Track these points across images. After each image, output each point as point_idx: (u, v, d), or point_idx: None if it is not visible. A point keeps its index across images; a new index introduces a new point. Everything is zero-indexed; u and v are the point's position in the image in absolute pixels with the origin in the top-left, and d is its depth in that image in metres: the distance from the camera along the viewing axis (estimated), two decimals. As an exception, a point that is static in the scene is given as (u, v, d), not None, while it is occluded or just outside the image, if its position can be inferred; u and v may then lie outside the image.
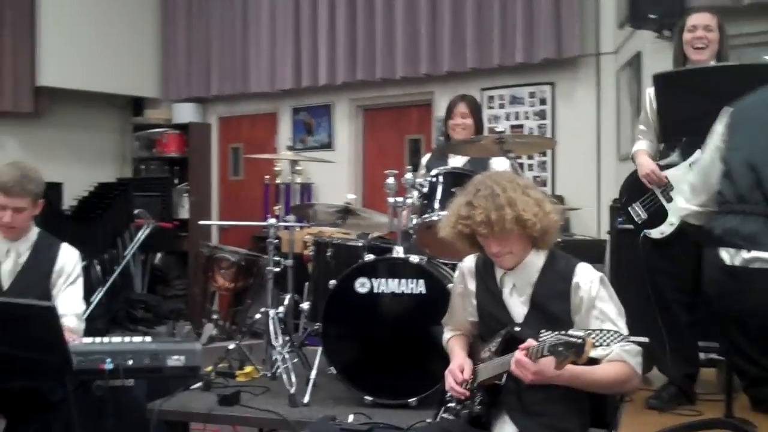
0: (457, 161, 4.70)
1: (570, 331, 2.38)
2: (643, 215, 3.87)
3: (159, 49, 9.73)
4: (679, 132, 3.73)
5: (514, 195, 2.69)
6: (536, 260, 2.79)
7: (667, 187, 3.80)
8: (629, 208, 3.95)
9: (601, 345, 2.47)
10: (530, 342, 2.45)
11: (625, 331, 2.64)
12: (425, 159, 5.02)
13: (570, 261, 2.79)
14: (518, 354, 2.46)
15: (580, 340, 2.29)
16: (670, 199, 3.77)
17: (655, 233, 3.79)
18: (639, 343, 2.65)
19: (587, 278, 2.71)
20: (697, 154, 3.64)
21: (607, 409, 2.85)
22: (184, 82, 9.55)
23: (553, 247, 2.83)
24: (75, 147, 9.41)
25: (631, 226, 4.36)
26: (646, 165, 3.85)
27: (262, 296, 4.63)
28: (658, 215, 3.81)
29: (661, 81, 3.54)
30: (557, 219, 2.77)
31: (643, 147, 4.01)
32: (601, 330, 2.51)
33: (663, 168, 3.79)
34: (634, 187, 3.95)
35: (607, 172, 6.95)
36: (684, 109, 3.45)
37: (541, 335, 2.50)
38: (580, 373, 2.46)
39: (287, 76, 8.68)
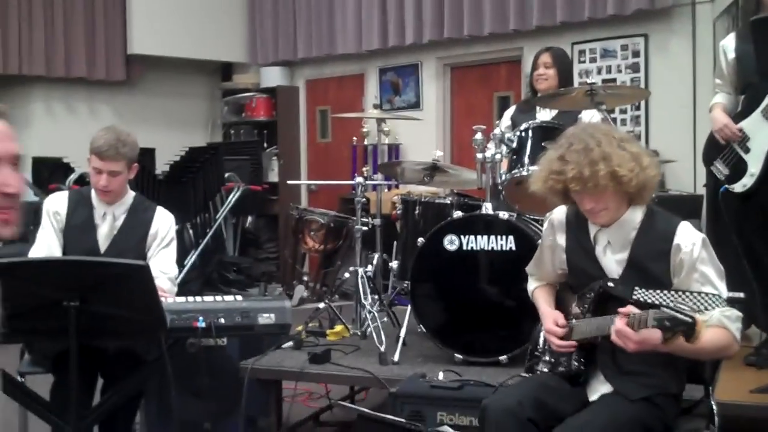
0: (545, 115, 4.59)
1: (681, 298, 2.29)
2: (725, 171, 3.78)
3: (246, 13, 9.80)
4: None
5: (609, 149, 2.59)
6: (634, 217, 2.69)
7: (744, 139, 3.67)
8: (711, 167, 3.86)
9: (701, 310, 2.38)
10: (630, 308, 2.37)
11: (725, 294, 2.54)
12: (510, 112, 4.90)
13: (671, 220, 2.69)
14: (619, 323, 2.38)
15: (690, 320, 2.22)
16: (747, 150, 3.66)
17: (738, 187, 3.70)
18: (738, 301, 2.54)
19: (689, 239, 2.61)
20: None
21: (704, 365, 2.76)
22: (271, 46, 9.60)
23: (651, 204, 2.73)
24: (166, 113, 9.57)
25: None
26: (719, 120, 3.78)
27: (351, 258, 4.63)
28: (739, 168, 3.71)
29: (759, 26, 3.39)
30: (656, 174, 2.67)
31: (719, 100, 3.92)
32: (701, 293, 2.43)
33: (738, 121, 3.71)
34: (713, 144, 3.84)
35: (703, 125, 6.67)
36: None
37: (635, 293, 2.43)
38: (683, 345, 2.37)
39: (374, 36, 8.64)
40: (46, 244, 3.55)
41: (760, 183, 3.61)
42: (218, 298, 3.33)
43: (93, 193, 3.59)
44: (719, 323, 2.51)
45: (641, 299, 2.43)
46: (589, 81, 4.25)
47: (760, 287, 3.71)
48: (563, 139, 2.73)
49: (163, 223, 3.68)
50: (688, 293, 2.39)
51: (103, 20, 8.94)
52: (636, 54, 7.16)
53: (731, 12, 6.06)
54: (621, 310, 2.40)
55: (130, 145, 3.52)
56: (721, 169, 3.79)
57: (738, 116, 3.76)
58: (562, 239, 2.89)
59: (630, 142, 2.68)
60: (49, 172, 7.46)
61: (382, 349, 3.88)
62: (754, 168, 3.63)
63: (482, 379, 3.33)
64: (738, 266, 4.12)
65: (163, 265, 3.53)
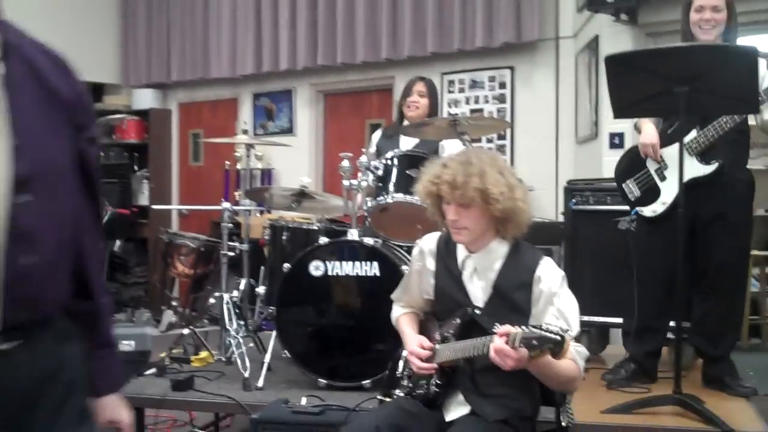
0: (407, 142, 4.69)
1: (549, 326, 2.38)
2: (636, 192, 3.90)
3: (119, 34, 9.63)
4: (630, 113, 3.76)
5: (487, 168, 2.68)
6: (500, 247, 2.78)
7: (661, 166, 3.81)
8: (623, 184, 3.96)
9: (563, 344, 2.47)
10: (507, 328, 2.43)
11: (576, 331, 2.66)
12: (376, 137, 5.01)
13: (536, 253, 2.79)
14: (498, 342, 2.44)
15: (558, 337, 2.30)
16: (663, 178, 3.80)
17: (647, 211, 3.83)
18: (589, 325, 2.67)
19: (550, 273, 2.71)
20: (693, 133, 3.67)
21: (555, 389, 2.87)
22: (144, 67, 9.45)
23: (519, 240, 2.83)
24: (32, 133, 9.27)
25: (585, 207, 4.41)
26: (650, 135, 3.84)
27: (220, 284, 4.60)
28: (651, 193, 3.83)
29: (612, 63, 3.55)
30: (525, 208, 2.75)
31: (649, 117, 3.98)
32: (556, 327, 2.52)
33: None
34: (631, 162, 3.95)
35: (565, 154, 6.99)
36: (635, 90, 3.46)
37: (495, 327, 2.50)
38: (547, 364, 2.46)
39: (248, 61, 8.62)
40: None
41: (669, 212, 3.73)
42: (76, 324, 3.25)
43: None
44: (571, 356, 2.62)
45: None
46: (455, 111, 4.38)
47: (640, 309, 3.87)
48: (455, 155, 2.83)
49: None
50: (566, 329, 2.47)
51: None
52: (503, 85, 7.38)
53: (592, 47, 6.35)
54: (499, 330, 2.47)
55: None
56: (633, 189, 3.91)
57: (662, 140, 3.84)
58: (431, 264, 2.95)
59: (510, 174, 2.77)
60: None
61: (246, 374, 3.87)
62: (667, 197, 3.76)
63: (345, 404, 3.36)
64: (599, 288, 4.31)
65: None
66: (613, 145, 5.90)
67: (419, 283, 3.02)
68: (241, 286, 4.70)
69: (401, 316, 3.09)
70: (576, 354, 2.63)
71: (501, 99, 7.37)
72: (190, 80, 9.17)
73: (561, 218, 5.64)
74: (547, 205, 6.66)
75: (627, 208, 3.95)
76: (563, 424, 2.81)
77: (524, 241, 2.86)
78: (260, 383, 3.86)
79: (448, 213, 2.76)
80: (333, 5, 8.05)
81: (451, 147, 4.45)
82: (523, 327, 2.40)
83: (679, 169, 3.38)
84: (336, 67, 8.15)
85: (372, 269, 3.88)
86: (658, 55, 3.49)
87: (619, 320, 4.31)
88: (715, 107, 3.47)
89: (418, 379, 2.87)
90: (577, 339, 2.64)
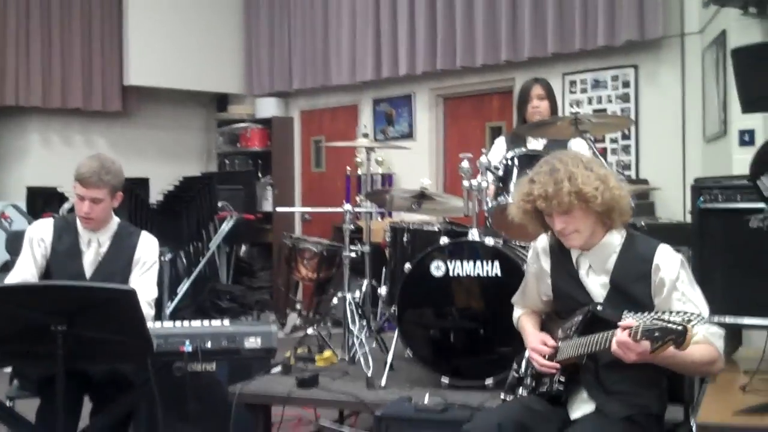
0: (535, 144, 4.64)
1: (667, 316, 2.33)
2: None
3: (242, 45, 9.90)
4: (759, 106, 3.62)
5: (574, 169, 2.66)
6: (613, 241, 2.75)
7: None
8: (758, 180, 3.79)
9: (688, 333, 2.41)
10: (630, 322, 2.40)
11: (707, 313, 2.59)
12: (500, 142, 4.96)
13: (650, 242, 2.75)
14: (621, 335, 2.41)
15: (681, 328, 2.26)
16: None
17: None
18: (721, 325, 2.60)
19: (668, 260, 2.67)
20: None
21: (683, 386, 2.79)
22: (266, 77, 9.68)
23: (630, 230, 2.79)
24: (162, 144, 9.65)
25: (714, 205, 4.25)
26: None
27: (343, 286, 4.67)
28: None
29: (740, 55, 3.44)
30: (623, 195, 2.72)
31: None
32: (684, 312, 2.46)
33: None
34: (765, 159, 3.79)
35: (692, 153, 6.77)
36: (765, 83, 3.33)
37: (625, 316, 2.47)
38: (673, 355, 2.41)
39: (368, 67, 8.71)
40: (21, 274, 3.57)
41: None
42: (205, 322, 3.35)
43: (78, 220, 3.62)
44: (705, 339, 2.56)
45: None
46: (577, 110, 4.29)
47: None
48: (537, 166, 2.80)
49: (147, 247, 3.71)
50: (671, 313, 2.42)
51: (100, 51, 9.02)
52: (626, 84, 7.22)
53: (719, 42, 6.14)
54: (622, 325, 2.43)
55: (114, 173, 3.53)
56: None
57: None
58: (547, 264, 2.94)
59: (598, 165, 2.75)
60: (44, 201, 7.50)
61: (370, 373, 3.90)
62: None
63: (468, 403, 3.36)
64: (732, 288, 4.15)
65: (142, 288, 3.54)
66: (743, 143, 5.68)
67: (537, 285, 3.01)
68: (363, 288, 4.74)
69: (522, 315, 3.10)
70: (710, 336, 2.57)
71: (624, 98, 7.21)
72: (311, 88, 9.34)
73: (688, 218, 5.49)
74: (674, 206, 6.47)
75: (760, 205, 3.78)
76: (692, 423, 2.74)
77: (638, 233, 2.81)
78: (383, 382, 3.89)
79: (554, 224, 2.75)
80: (452, 8, 8.04)
81: (578, 146, 4.39)
82: (645, 319, 2.35)
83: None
84: (455, 70, 8.14)
85: (493, 269, 3.85)
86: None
87: (754, 320, 4.15)
88: None
89: (541, 377, 2.85)
90: None
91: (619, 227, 2.76)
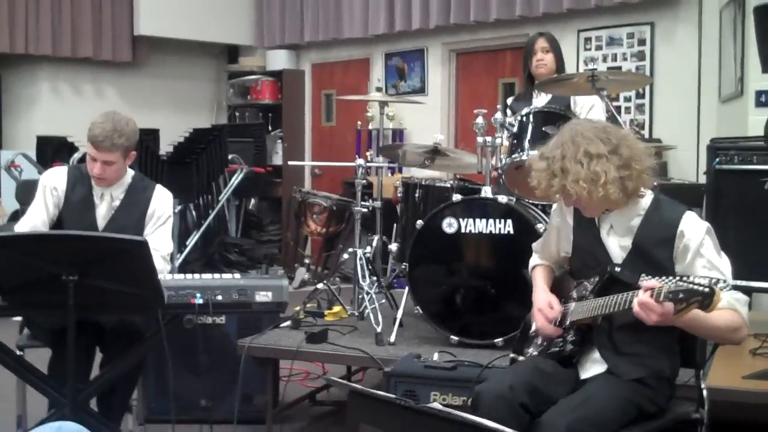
0: (540, 100, 4.60)
1: (694, 278, 2.32)
2: None
3: (254, -4, 9.80)
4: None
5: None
6: (639, 204, 2.72)
7: None
8: None
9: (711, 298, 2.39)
10: (654, 283, 2.38)
11: (731, 280, 2.57)
12: (509, 101, 4.92)
13: (677, 208, 2.72)
14: (644, 296, 2.39)
15: (707, 290, 2.24)
16: None
17: None
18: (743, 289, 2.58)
19: (693, 227, 2.64)
20: None
21: (696, 350, 2.78)
22: (278, 29, 9.60)
23: (659, 193, 2.76)
24: (172, 95, 9.60)
25: (730, 166, 4.21)
26: None
27: (353, 241, 4.64)
28: None
29: (762, 13, 3.37)
30: (647, 164, 2.67)
31: None
32: (710, 279, 2.43)
33: None
34: None
35: (707, 114, 6.71)
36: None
37: (642, 279, 2.45)
38: (697, 318, 2.41)
39: (380, 21, 8.63)
40: (32, 222, 3.53)
41: None
42: (216, 276, 3.35)
43: None
44: (729, 305, 2.54)
45: None
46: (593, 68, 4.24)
47: None
48: (551, 139, 2.77)
49: (162, 201, 3.68)
50: (694, 278, 2.40)
51: (110, 1, 8.95)
52: (642, 42, 7.14)
53: (737, 1, 6.04)
54: (646, 285, 2.41)
55: (127, 134, 3.47)
56: None
57: None
58: (570, 219, 2.92)
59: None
60: (54, 151, 7.49)
61: (379, 329, 3.89)
62: None
63: (478, 361, 3.35)
64: (745, 252, 4.11)
65: (158, 242, 3.53)
66: (759, 104, 5.61)
67: (557, 239, 3.00)
68: (374, 243, 4.72)
69: (537, 267, 3.08)
70: (735, 302, 2.55)
71: (640, 56, 7.13)
72: (323, 41, 9.27)
73: (702, 179, 5.45)
74: (688, 166, 6.44)
75: None
76: (701, 387, 2.74)
77: (665, 196, 2.78)
78: (392, 339, 3.88)
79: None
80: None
81: (583, 102, 4.36)
82: (670, 281, 2.33)
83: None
84: (469, 25, 8.07)
85: (506, 227, 3.82)
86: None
87: (765, 284, 4.12)
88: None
89: (554, 337, 2.83)
90: None
91: (647, 191, 2.73)
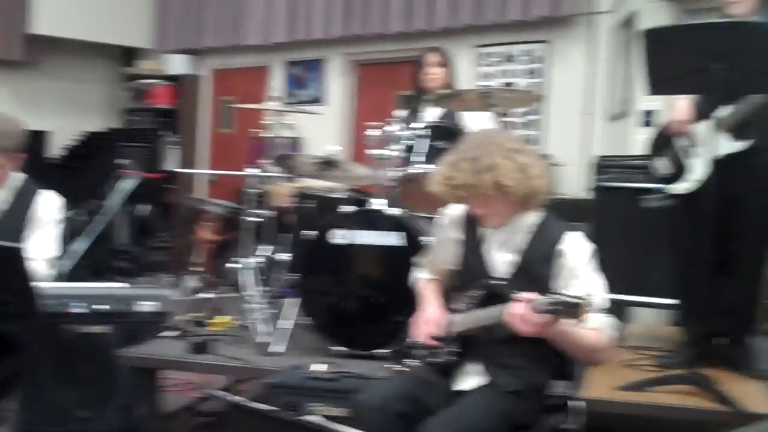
0: (432, 113, 4.65)
1: (562, 294, 2.37)
2: (667, 169, 3.78)
3: (152, -2, 9.63)
4: (666, 89, 3.66)
5: (497, 160, 2.66)
6: (526, 221, 2.78)
7: (693, 143, 3.71)
8: (654, 161, 3.86)
9: (583, 313, 2.46)
10: (529, 296, 2.44)
11: (604, 303, 2.65)
12: (401, 112, 4.95)
13: (561, 228, 2.78)
14: (516, 306, 2.46)
15: (575, 301, 2.32)
16: (695, 155, 3.69)
17: (678, 189, 3.72)
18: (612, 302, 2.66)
19: (574, 248, 2.71)
20: (727, 110, 3.53)
21: (573, 363, 2.85)
22: (177, 32, 9.44)
23: (547, 212, 2.82)
24: (66, 96, 9.34)
25: (613, 184, 4.33)
26: (683, 111, 3.69)
27: (244, 250, 4.59)
28: (682, 171, 3.71)
29: (650, 37, 3.46)
30: (543, 183, 2.74)
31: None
32: (581, 294, 2.50)
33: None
34: (661, 141, 3.86)
35: (595, 131, 6.90)
36: (672, 66, 3.37)
37: (527, 294, 2.49)
38: (567, 332, 2.50)
39: (281, 28, 8.58)
40: None
41: (700, 190, 3.60)
42: (100, 283, 3.27)
43: None
44: (597, 327, 2.61)
45: None
46: (487, 84, 4.31)
47: (683, 289, 3.78)
48: (462, 145, 2.80)
49: (48, 205, 3.60)
50: (560, 292, 2.46)
51: (4, -2, 8.68)
52: (537, 60, 7.29)
53: (628, 24, 6.24)
54: (521, 297, 2.47)
55: (11, 135, 3.40)
56: (663, 166, 3.79)
57: (696, 117, 3.71)
58: (457, 233, 2.95)
59: (521, 153, 2.74)
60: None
61: (265, 340, 3.85)
62: (698, 174, 3.62)
63: (362, 372, 3.35)
64: (629, 268, 4.23)
65: (40, 247, 3.43)
66: (643, 123, 5.81)
67: (444, 251, 3.02)
68: (265, 253, 4.68)
69: (424, 280, 3.10)
70: (603, 325, 2.62)
71: (535, 73, 7.28)
72: (224, 46, 9.15)
73: (589, 195, 5.59)
74: (575, 182, 6.59)
75: (657, 185, 3.87)
76: (576, 398, 2.81)
77: (554, 216, 2.84)
78: (279, 349, 3.84)
79: (473, 208, 2.81)
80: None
81: (473, 120, 4.42)
82: (538, 297, 2.39)
83: (710, 146, 3.30)
84: (369, 37, 8.09)
85: (396, 240, 3.84)
86: (695, 30, 3.40)
87: (646, 299, 4.26)
88: (748, 85, 3.37)
89: (434, 348, 2.86)
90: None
91: (536, 210, 2.79)
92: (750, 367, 3.61)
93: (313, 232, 3.99)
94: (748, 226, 3.63)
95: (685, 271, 3.76)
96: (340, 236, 3.92)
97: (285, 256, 4.59)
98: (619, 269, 4.29)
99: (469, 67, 7.29)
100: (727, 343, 3.75)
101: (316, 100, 8.64)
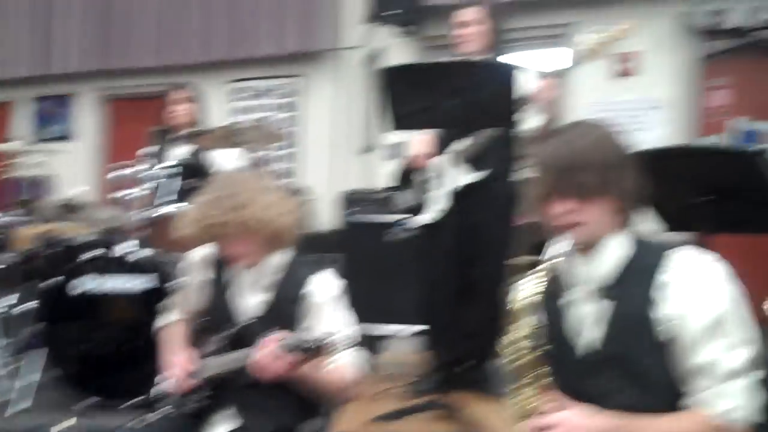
0: (180, 152, 4.63)
1: (309, 333, 2.41)
2: (410, 202, 3.91)
3: None
4: (406, 124, 3.81)
5: (245, 200, 2.67)
6: (275, 261, 2.79)
7: (433, 175, 3.85)
8: (398, 194, 3.97)
9: (330, 351, 2.51)
10: (271, 338, 2.45)
11: (351, 339, 2.70)
12: (151, 149, 4.89)
13: (308, 268, 2.80)
14: (260, 350, 2.46)
15: (316, 341, 2.37)
16: (435, 187, 3.83)
17: (420, 220, 3.84)
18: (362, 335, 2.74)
19: (320, 288, 2.74)
20: (464, 143, 3.70)
21: (321, 399, 2.90)
22: None
23: (295, 252, 2.84)
24: None
25: (360, 218, 4.46)
26: (420, 145, 3.85)
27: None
28: (424, 202, 3.85)
29: (386, 75, 3.60)
30: (291, 222, 2.77)
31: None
32: (330, 335, 2.55)
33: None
34: (403, 175, 3.98)
35: (345, 165, 7.06)
36: (410, 102, 3.50)
37: (271, 334, 2.51)
38: (310, 373, 2.53)
39: (26, 62, 8.20)
40: None
41: (441, 220, 3.76)
42: None
43: None
44: (342, 365, 2.66)
45: None
46: (243, 119, 4.32)
47: (432, 317, 3.92)
48: (211, 185, 2.78)
49: None
50: (321, 336, 2.50)
51: None
52: (290, 94, 7.39)
53: (374, 59, 6.46)
54: (267, 340, 2.48)
55: None
56: (405, 198, 3.91)
57: (436, 151, 3.85)
58: (205, 275, 2.91)
59: (268, 191, 2.76)
60: None
61: (8, 397, 3.65)
62: (438, 205, 3.76)
63: (116, 423, 3.25)
64: (373, 298, 4.35)
65: None
66: (389, 157, 6.00)
67: (193, 294, 2.98)
68: (9, 302, 4.44)
69: (169, 326, 3.04)
70: (348, 363, 2.68)
71: (288, 108, 7.37)
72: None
73: (340, 228, 5.74)
74: (327, 216, 6.72)
75: (401, 217, 4.01)
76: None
77: (303, 255, 2.88)
78: (22, 405, 3.65)
79: (223, 249, 2.77)
80: (121, 7, 7.83)
81: (223, 157, 4.43)
82: (287, 336, 2.42)
83: (449, 177, 3.45)
84: (121, 71, 7.90)
85: (146, 282, 3.77)
86: (428, 68, 3.55)
87: (397, 327, 4.39)
88: (479, 120, 3.56)
89: (187, 394, 2.82)
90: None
91: (286, 248, 2.81)
92: (491, 390, 3.81)
93: (58, 279, 3.84)
94: (486, 252, 3.84)
95: (429, 298, 3.92)
96: (86, 282, 3.79)
97: (30, 305, 4.38)
98: (369, 301, 4.44)
99: (222, 103, 7.29)
100: (471, 366, 3.95)
101: (65, 137, 8.30)
